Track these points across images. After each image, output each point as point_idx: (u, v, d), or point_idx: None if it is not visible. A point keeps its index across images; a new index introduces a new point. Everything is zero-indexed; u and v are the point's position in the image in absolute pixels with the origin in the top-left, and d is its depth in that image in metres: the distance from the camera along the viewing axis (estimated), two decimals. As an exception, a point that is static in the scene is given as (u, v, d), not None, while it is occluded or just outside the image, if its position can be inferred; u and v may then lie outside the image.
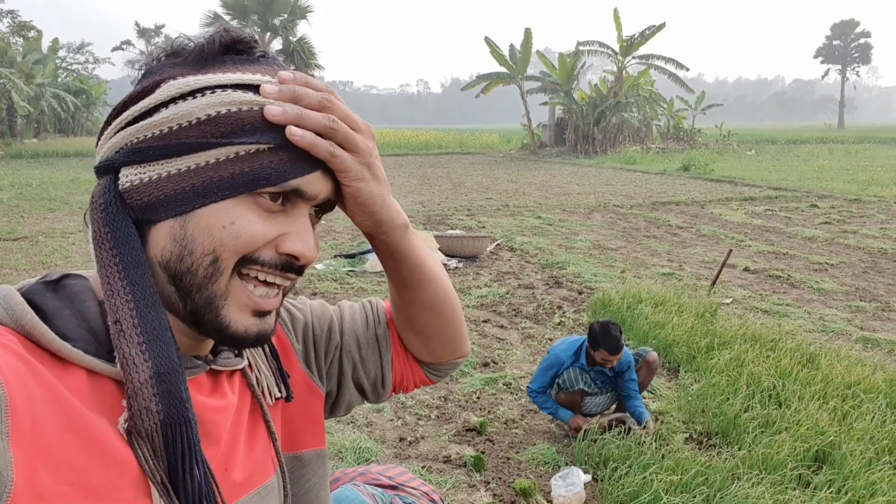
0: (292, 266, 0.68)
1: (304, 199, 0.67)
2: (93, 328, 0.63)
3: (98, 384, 0.61)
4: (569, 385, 3.79)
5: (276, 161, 0.64)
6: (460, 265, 8.28)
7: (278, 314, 0.72)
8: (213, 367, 0.74)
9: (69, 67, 49.53)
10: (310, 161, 0.66)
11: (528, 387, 3.99)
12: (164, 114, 0.63)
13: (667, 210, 13.36)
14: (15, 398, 0.54)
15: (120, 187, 0.65)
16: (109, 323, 0.62)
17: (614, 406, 4.00)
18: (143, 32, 67.13)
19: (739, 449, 3.40)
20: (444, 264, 8.10)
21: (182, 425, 0.62)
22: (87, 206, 0.66)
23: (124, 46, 66.32)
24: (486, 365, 5.04)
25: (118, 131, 0.65)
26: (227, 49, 0.66)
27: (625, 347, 3.76)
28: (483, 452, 3.72)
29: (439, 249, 8.35)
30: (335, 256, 8.67)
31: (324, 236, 10.24)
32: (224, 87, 0.63)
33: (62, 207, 13.17)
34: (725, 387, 4.03)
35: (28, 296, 0.62)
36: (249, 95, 0.63)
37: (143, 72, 0.67)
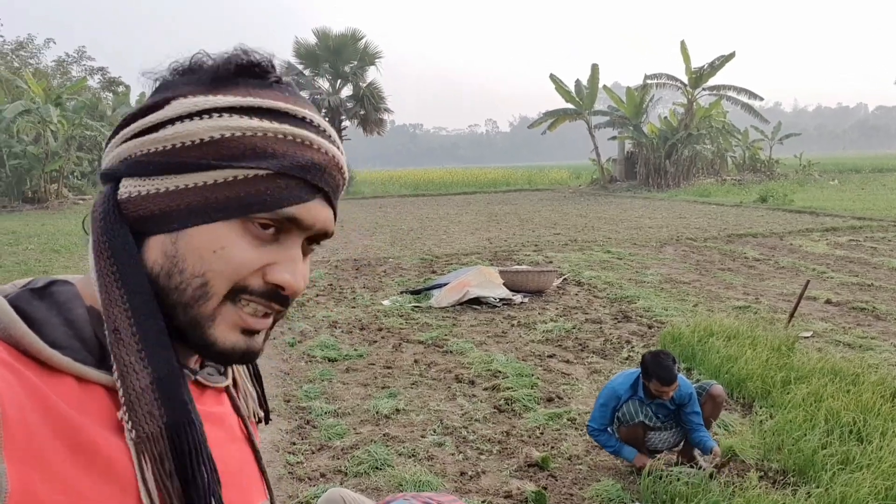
0: (278, 296, 0.67)
1: (299, 229, 0.67)
2: (82, 336, 0.62)
3: (88, 392, 0.61)
4: (629, 418, 3.68)
5: (273, 188, 0.64)
6: (526, 300, 8.22)
7: (267, 336, 0.71)
8: (198, 378, 0.73)
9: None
10: (308, 189, 0.66)
11: (587, 424, 3.90)
12: (169, 131, 0.63)
13: (743, 242, 12.92)
14: (7, 409, 0.53)
15: (119, 197, 0.65)
16: (107, 331, 0.62)
17: (682, 442, 3.86)
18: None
19: (817, 487, 3.21)
20: (509, 299, 8.07)
21: (186, 425, 0.62)
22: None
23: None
24: (550, 400, 4.96)
25: (124, 142, 0.66)
26: (242, 71, 0.66)
27: (684, 379, 3.64)
28: (545, 488, 3.65)
29: (504, 284, 8.33)
30: (401, 293, 8.77)
31: (390, 273, 10.39)
32: (232, 110, 0.64)
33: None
34: (802, 422, 3.83)
35: (14, 303, 0.61)
36: (255, 122, 0.64)
37: (157, 85, 0.68)
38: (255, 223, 0.64)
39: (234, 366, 0.81)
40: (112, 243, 0.64)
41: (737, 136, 34.74)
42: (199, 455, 0.63)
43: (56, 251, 13.41)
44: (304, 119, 0.67)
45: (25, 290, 0.63)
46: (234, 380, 0.81)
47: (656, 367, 3.50)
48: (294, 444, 4.27)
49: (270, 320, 0.69)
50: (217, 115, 0.64)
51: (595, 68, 31.68)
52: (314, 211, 0.67)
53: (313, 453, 4.15)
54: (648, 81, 30.93)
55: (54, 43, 42.29)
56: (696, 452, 3.62)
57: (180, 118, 0.64)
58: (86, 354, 0.61)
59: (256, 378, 0.86)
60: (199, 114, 0.64)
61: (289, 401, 5.01)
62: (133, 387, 0.60)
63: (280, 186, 0.64)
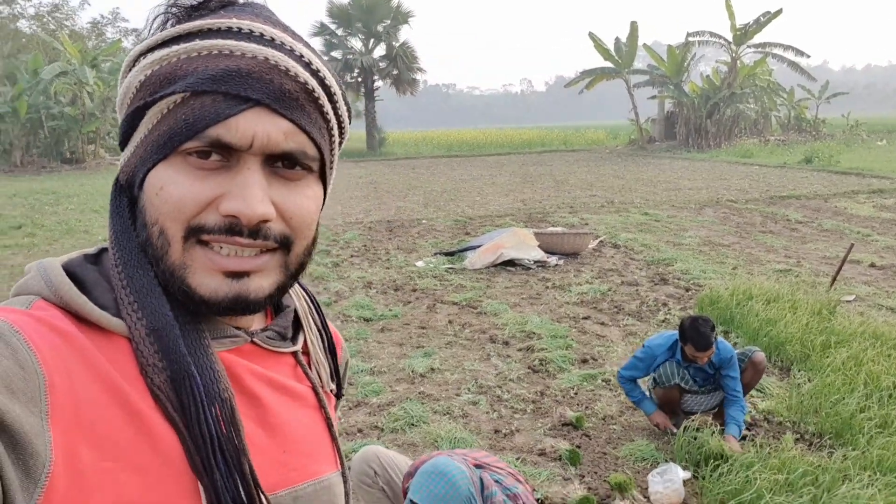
0: (238, 228, 0.60)
1: (239, 150, 0.60)
2: None
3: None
4: (664, 380, 3.68)
5: (190, 110, 0.58)
6: (560, 262, 8.19)
7: (282, 287, 0.66)
8: (255, 340, 0.70)
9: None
10: (232, 101, 0.58)
11: (618, 371, 3.91)
12: (122, 89, 0.64)
13: (786, 204, 12.63)
14: (53, 376, 0.53)
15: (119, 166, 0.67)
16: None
17: (718, 406, 3.84)
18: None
19: (853, 450, 3.18)
20: (544, 261, 8.05)
21: (185, 379, 0.59)
22: None
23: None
24: (584, 361, 4.97)
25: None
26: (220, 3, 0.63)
27: (724, 343, 3.61)
28: (579, 447, 3.68)
29: (539, 246, 8.30)
30: (435, 254, 8.80)
31: (424, 234, 10.42)
32: (158, 47, 0.61)
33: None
34: (841, 386, 3.78)
35: (68, 268, 0.63)
36: (167, 49, 0.59)
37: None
38: (192, 154, 0.59)
39: (308, 335, 0.78)
40: (112, 207, 0.66)
41: (782, 94, 33.66)
42: (199, 409, 0.59)
43: (95, 211, 13.72)
44: (229, 30, 0.60)
45: (80, 256, 0.65)
46: (307, 348, 0.79)
47: (693, 332, 3.48)
48: (331, 400, 4.37)
49: (260, 260, 0.63)
50: (143, 57, 0.61)
51: (634, 26, 30.85)
52: (244, 125, 0.59)
53: (350, 409, 4.24)
54: (690, 39, 30.05)
55: (88, 5, 42.81)
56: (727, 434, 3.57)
57: (125, 72, 0.63)
58: None
59: (330, 351, 0.83)
60: (134, 62, 0.62)
61: (326, 359, 5.11)
62: (134, 337, 0.60)
63: (196, 107, 0.58)
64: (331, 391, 0.81)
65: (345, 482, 0.76)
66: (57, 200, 15.73)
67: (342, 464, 0.76)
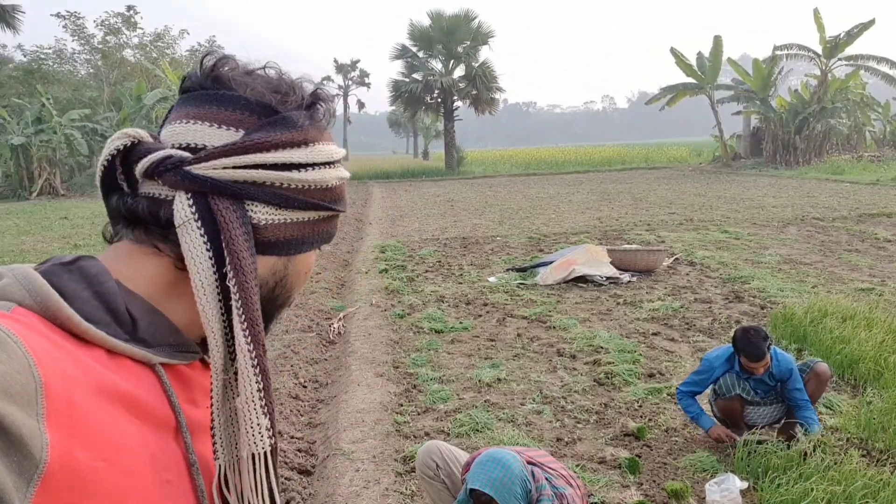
0: None
1: None
2: (113, 309, 0.64)
3: (117, 362, 0.63)
4: (725, 391, 3.71)
5: (335, 225, 0.79)
6: (633, 279, 8.18)
7: None
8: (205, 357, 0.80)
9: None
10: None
11: (677, 388, 3.96)
12: (313, 175, 0.73)
13: (875, 223, 12.11)
14: (49, 379, 0.54)
15: (254, 221, 0.70)
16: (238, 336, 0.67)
17: (783, 419, 3.83)
18: (340, 68, 73.09)
19: (920, 467, 3.13)
20: (616, 278, 8.06)
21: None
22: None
23: (325, 82, 72.28)
24: (651, 375, 5.01)
25: (259, 166, 0.69)
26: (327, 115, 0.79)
27: (782, 354, 3.62)
28: (639, 456, 3.75)
29: (611, 263, 8.32)
30: (507, 270, 8.95)
31: (497, 251, 10.59)
32: (339, 161, 0.77)
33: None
34: (915, 405, 3.71)
35: (46, 277, 0.62)
36: (344, 173, 0.78)
37: (284, 102, 0.72)
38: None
39: None
40: (255, 264, 0.69)
41: (876, 109, 32.07)
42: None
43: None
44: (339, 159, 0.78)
45: (55, 265, 0.65)
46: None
47: (744, 343, 3.52)
48: (401, 405, 4.59)
49: None
50: (337, 164, 0.77)
51: (718, 40, 30.19)
52: None
53: (419, 414, 4.45)
54: (777, 52, 29.12)
55: (188, 34, 45.36)
56: (798, 427, 3.58)
57: (321, 164, 0.74)
58: (116, 328, 0.63)
59: None
60: (332, 163, 0.75)
61: (398, 367, 5.35)
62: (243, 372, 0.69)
63: (336, 224, 0.80)
64: None
65: None
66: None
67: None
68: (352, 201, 21.41)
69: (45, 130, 27.17)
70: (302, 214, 0.72)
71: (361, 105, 77.06)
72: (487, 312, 6.91)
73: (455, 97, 34.05)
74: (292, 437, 4.27)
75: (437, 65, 34.44)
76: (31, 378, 0.53)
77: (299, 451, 4.11)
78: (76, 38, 38.98)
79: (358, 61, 73.43)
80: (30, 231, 15.46)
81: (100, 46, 38.62)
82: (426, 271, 9.17)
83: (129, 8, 39.32)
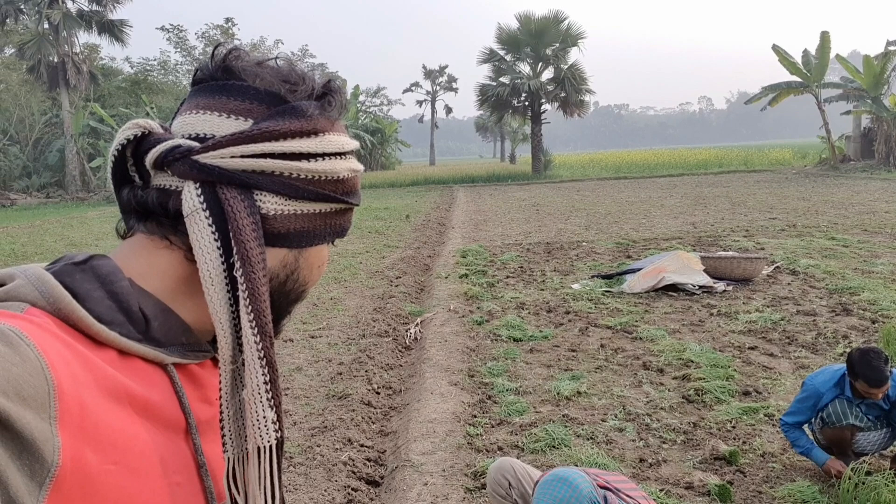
0: None
1: None
2: (126, 309, 0.64)
3: (128, 363, 0.63)
4: (835, 419, 3.32)
5: (350, 219, 0.77)
6: (729, 288, 7.69)
7: None
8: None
9: (367, 110, 55.50)
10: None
11: (781, 419, 3.58)
12: (323, 165, 0.71)
13: None
14: (62, 381, 0.54)
15: (262, 211, 0.68)
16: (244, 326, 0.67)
17: (891, 445, 3.41)
18: (429, 74, 73.81)
19: None
20: (710, 287, 7.59)
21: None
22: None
23: (413, 88, 73.44)
24: (746, 394, 4.62)
25: (268, 155, 0.68)
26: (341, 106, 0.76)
27: (897, 376, 3.21)
28: (731, 483, 3.42)
29: (705, 271, 7.85)
30: (592, 277, 8.61)
31: (583, 257, 10.25)
32: (353, 152, 0.76)
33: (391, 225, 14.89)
34: None
35: (58, 277, 0.62)
36: (356, 164, 0.76)
37: (293, 90, 0.71)
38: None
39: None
40: (264, 257, 0.68)
41: None
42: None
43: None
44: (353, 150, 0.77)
45: (67, 265, 0.65)
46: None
47: (864, 368, 3.13)
48: (475, 416, 4.42)
49: None
50: (350, 155, 0.75)
51: (826, 36, 28.44)
52: None
53: (492, 427, 4.26)
54: (890, 48, 27.17)
55: (282, 43, 46.98)
56: None
57: (331, 155, 0.72)
58: (129, 328, 0.63)
59: None
60: (343, 154, 0.74)
61: (472, 376, 5.17)
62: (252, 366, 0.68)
63: (350, 217, 0.78)
64: None
65: None
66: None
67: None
68: (436, 205, 21.46)
69: (149, 138, 28.81)
70: (312, 206, 0.72)
71: (449, 110, 77.56)
72: (569, 321, 6.63)
73: (543, 100, 33.63)
74: (362, 446, 4.17)
75: (524, 68, 34.14)
76: (44, 380, 0.53)
77: (368, 460, 4.01)
78: (179, 49, 41.15)
79: (446, 67, 73.98)
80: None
81: (200, 57, 40.61)
82: (507, 277, 8.96)
83: (228, 20, 41.13)
